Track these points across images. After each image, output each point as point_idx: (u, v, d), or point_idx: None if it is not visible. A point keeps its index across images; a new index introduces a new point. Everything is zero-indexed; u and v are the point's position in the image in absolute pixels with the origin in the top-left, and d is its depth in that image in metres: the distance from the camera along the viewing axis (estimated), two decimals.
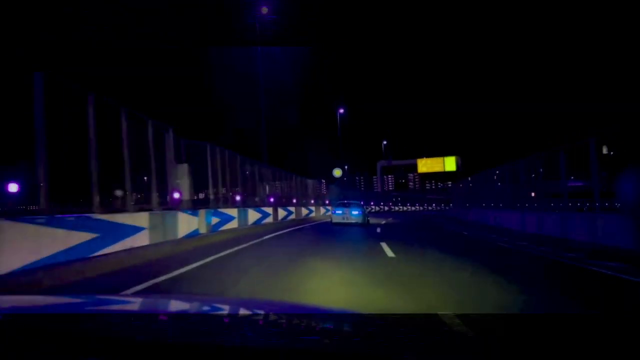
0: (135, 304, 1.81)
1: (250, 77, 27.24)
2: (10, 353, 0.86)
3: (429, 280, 5.80)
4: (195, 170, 12.74)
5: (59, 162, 6.62)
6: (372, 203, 55.24)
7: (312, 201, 32.00)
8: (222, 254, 8.39)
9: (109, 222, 7.44)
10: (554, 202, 14.36)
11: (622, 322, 1.28)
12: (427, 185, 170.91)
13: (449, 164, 63.98)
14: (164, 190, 10.79)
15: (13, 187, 6.80)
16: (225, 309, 1.65)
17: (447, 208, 60.69)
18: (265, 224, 18.65)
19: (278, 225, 18.95)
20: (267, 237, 12.72)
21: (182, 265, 6.74)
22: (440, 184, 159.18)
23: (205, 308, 1.64)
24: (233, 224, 14.93)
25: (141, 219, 8.61)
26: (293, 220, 23.48)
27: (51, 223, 5.99)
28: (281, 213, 22.19)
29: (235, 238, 11.72)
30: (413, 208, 78.48)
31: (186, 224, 10.84)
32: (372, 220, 22.57)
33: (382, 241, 10.71)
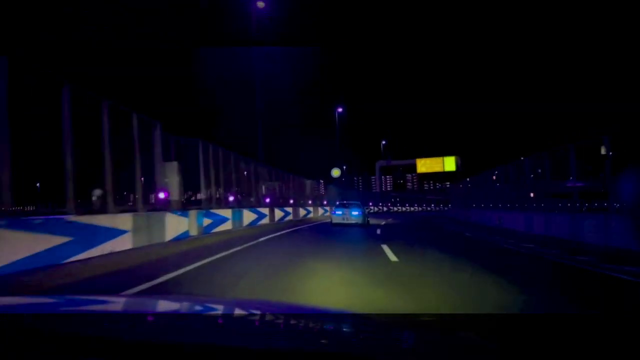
0: (135, 304, 1.79)
1: (249, 77, 26.84)
2: (10, 353, 0.85)
3: (443, 291, 5.16)
4: (186, 169, 12.09)
5: (27, 157, 5.95)
6: (370, 204, 54.81)
7: (310, 202, 31.53)
8: (212, 258, 7.69)
9: (84, 224, 6.77)
10: (561, 202, 13.93)
11: (622, 322, 1.25)
12: (425, 185, 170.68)
13: (449, 164, 63.31)
14: (152, 190, 10.13)
15: None
16: (225, 310, 1.62)
17: (445, 208, 60.28)
18: (261, 225, 18.07)
19: (275, 226, 18.37)
20: (262, 239, 12.06)
21: (158, 274, 5.72)
22: (438, 185, 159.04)
23: (204, 308, 1.63)
24: (227, 226, 14.28)
25: (123, 220, 7.94)
26: (290, 221, 22.93)
27: (13, 226, 5.32)
28: (278, 214, 21.62)
29: (228, 240, 11.06)
30: (412, 208, 78.06)
31: (175, 225, 10.17)
32: (372, 221, 22.11)
33: (384, 243, 10.11)
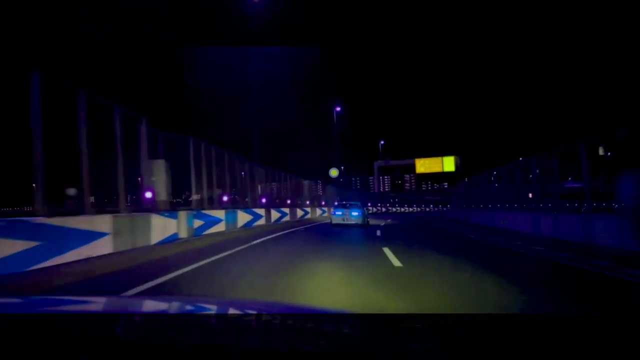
0: (135, 304, 1.79)
1: (247, 77, 26.34)
2: (10, 353, 0.83)
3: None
4: (176, 168, 11.43)
5: None
6: (369, 204, 54.16)
7: (308, 202, 30.92)
8: (201, 263, 7.00)
9: (56, 227, 6.09)
10: (569, 202, 13.41)
11: (622, 322, 1.20)
12: (423, 186, 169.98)
13: (448, 164, 62.74)
14: (137, 190, 9.46)
15: None
16: (222, 310, 1.57)
17: (444, 209, 59.77)
18: (257, 227, 17.42)
19: (271, 227, 17.71)
20: (257, 240, 11.38)
21: (134, 283, 5.00)
22: (436, 185, 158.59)
23: (202, 308, 1.60)
24: (220, 227, 13.61)
25: (102, 222, 7.26)
26: (287, 222, 22.29)
27: None
28: (274, 215, 20.98)
29: (220, 243, 10.38)
30: (410, 209, 77.37)
31: (161, 228, 9.49)
32: (372, 222, 21.52)
33: (385, 246, 9.47)
